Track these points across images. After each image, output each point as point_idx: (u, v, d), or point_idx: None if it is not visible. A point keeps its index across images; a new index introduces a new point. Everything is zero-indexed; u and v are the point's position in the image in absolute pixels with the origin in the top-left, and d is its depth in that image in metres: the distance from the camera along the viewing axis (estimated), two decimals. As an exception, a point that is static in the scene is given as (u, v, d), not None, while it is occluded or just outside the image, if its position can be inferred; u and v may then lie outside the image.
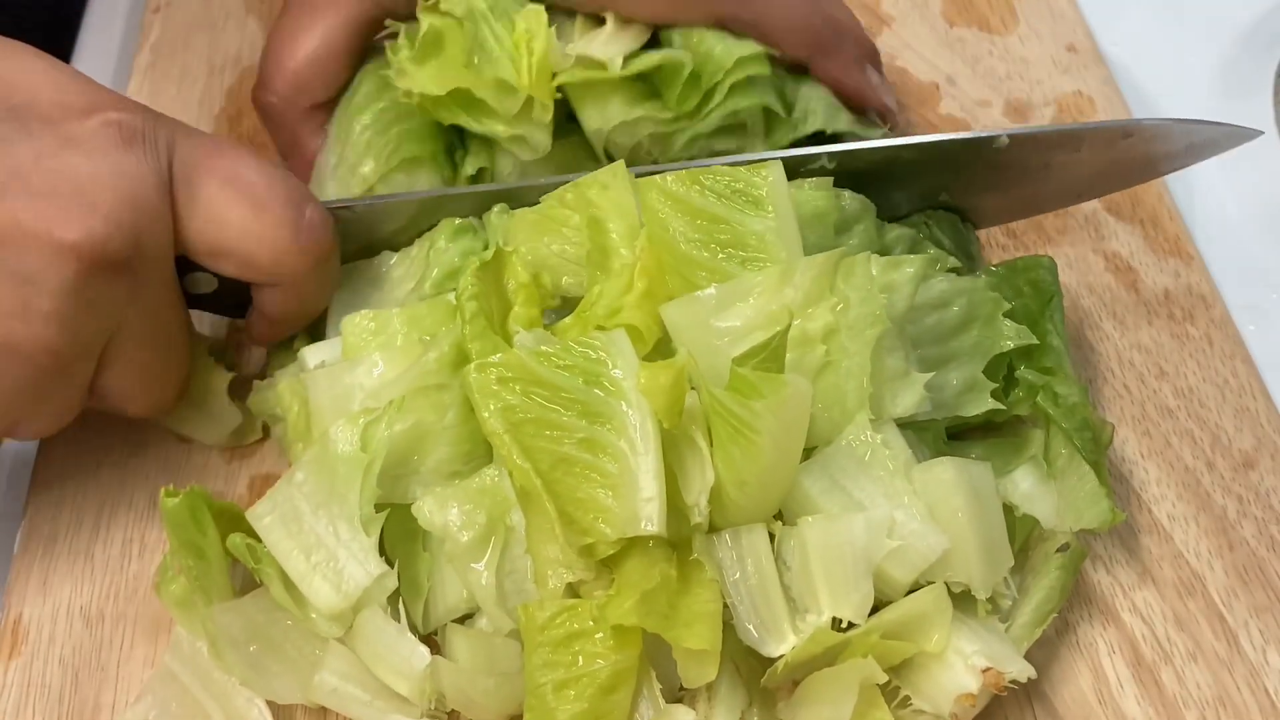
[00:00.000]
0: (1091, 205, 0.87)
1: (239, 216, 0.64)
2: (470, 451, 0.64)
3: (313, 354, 0.70)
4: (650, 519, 0.57)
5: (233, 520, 0.65)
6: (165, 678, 0.63)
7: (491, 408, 0.58)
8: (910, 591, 0.61)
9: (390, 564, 0.63)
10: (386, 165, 0.77)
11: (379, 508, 0.62)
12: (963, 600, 0.62)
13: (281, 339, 0.74)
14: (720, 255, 0.64)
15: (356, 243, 0.74)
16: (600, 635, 0.57)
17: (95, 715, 0.66)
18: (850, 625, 0.59)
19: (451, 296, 0.69)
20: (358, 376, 0.65)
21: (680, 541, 0.60)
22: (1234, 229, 0.91)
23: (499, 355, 0.60)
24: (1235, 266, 0.87)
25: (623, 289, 0.64)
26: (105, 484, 0.74)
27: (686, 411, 0.59)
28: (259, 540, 0.62)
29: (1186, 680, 0.66)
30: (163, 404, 0.70)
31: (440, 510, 0.61)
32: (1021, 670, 0.60)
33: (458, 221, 0.72)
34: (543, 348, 0.60)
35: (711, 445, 0.59)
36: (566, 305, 0.69)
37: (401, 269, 0.74)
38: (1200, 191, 0.92)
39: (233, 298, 0.70)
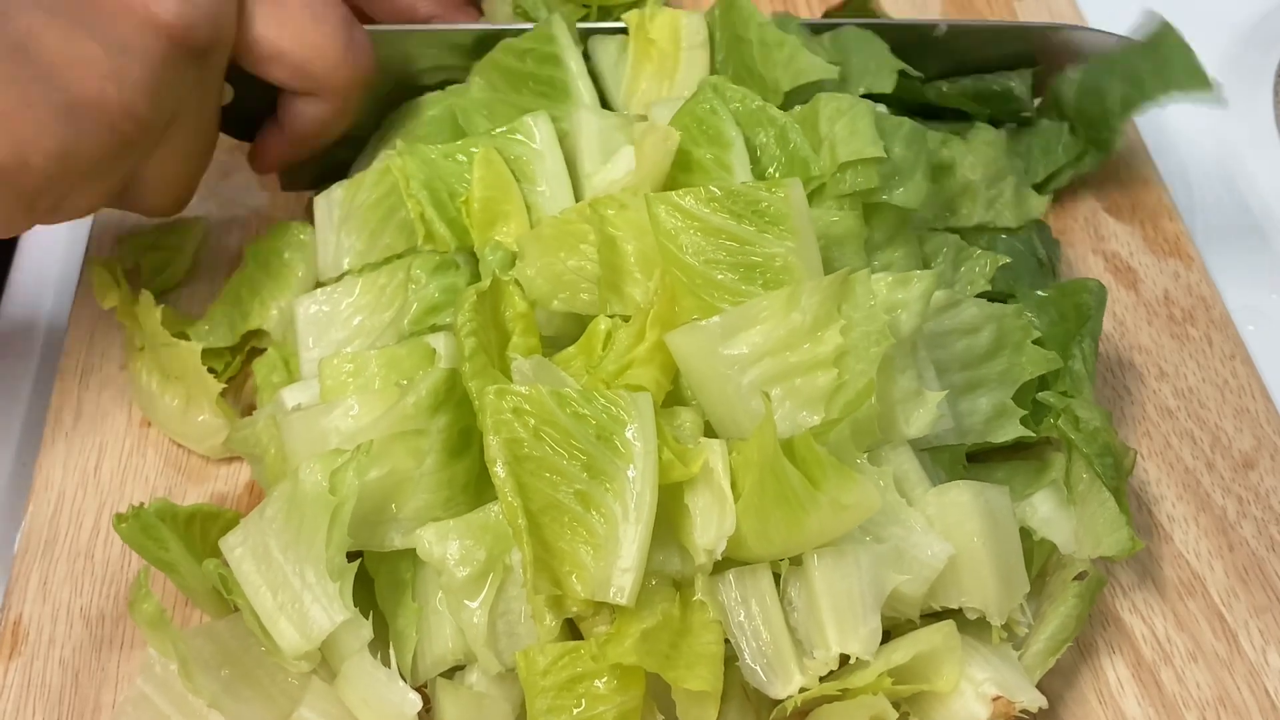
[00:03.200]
0: (1091, 205, 0.87)
1: (298, 25, 0.70)
2: (450, 498, 0.62)
3: (290, 395, 0.69)
4: (622, 590, 0.56)
5: (207, 520, 0.65)
6: (138, 701, 0.62)
7: (498, 436, 0.57)
8: (924, 614, 0.60)
9: (381, 613, 0.63)
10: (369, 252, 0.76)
11: (355, 554, 0.60)
12: (977, 626, 0.61)
13: (289, 163, 0.79)
14: (737, 276, 0.62)
15: (391, 73, 0.79)
16: (604, 678, 0.57)
17: (95, 715, 0.66)
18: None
19: (430, 339, 0.67)
20: (333, 420, 0.64)
21: (683, 580, 0.59)
22: (1234, 229, 0.91)
23: (524, 386, 0.59)
24: (1235, 266, 0.87)
25: (634, 338, 0.63)
26: (105, 484, 0.74)
27: (715, 457, 0.58)
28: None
29: (1186, 680, 0.66)
30: (179, 203, 0.75)
31: (440, 543, 0.60)
32: (1033, 700, 0.60)
33: (438, 256, 0.71)
34: (566, 390, 0.59)
35: (739, 491, 0.58)
36: (579, 324, 0.67)
37: (370, 295, 0.72)
38: (1200, 192, 0.92)
39: (244, 116, 0.77)
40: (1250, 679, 0.66)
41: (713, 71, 0.79)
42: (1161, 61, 0.82)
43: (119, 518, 0.62)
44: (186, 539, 0.64)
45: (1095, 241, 0.85)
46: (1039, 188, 0.83)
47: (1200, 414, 0.76)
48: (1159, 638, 0.68)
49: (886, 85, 0.80)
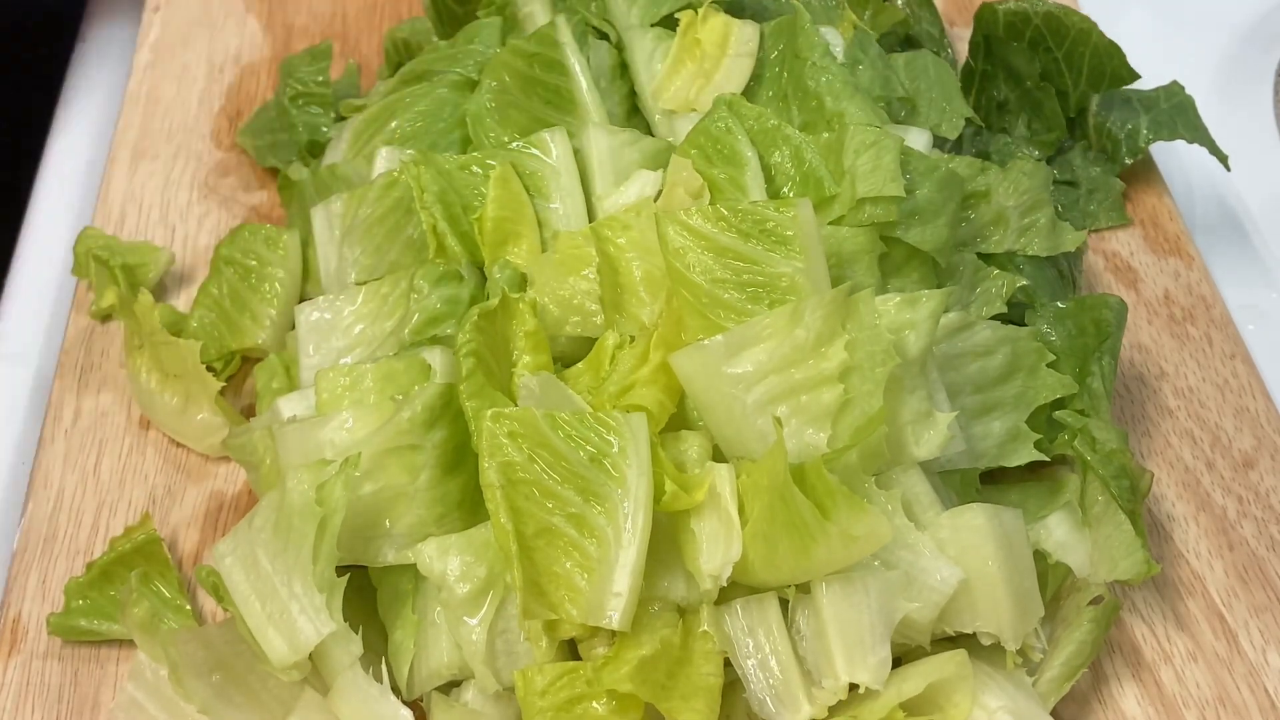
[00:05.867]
0: (1091, 205, 0.87)
1: None
2: (444, 515, 0.62)
3: (286, 405, 0.69)
4: (615, 614, 0.56)
5: (123, 561, 0.68)
6: (128, 706, 0.62)
7: (493, 460, 0.57)
8: (937, 639, 0.60)
9: (383, 625, 0.63)
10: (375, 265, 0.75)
11: (345, 568, 0.60)
12: (990, 651, 0.60)
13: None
14: (744, 296, 0.61)
15: None
16: (602, 700, 0.57)
17: (94, 712, 0.65)
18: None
19: (426, 354, 0.67)
20: (328, 433, 0.63)
21: (688, 606, 0.59)
22: (1234, 229, 0.91)
23: (517, 408, 0.59)
24: (1235, 266, 0.87)
25: (638, 360, 0.62)
26: (105, 484, 0.74)
27: (722, 481, 0.58)
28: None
29: (1186, 680, 0.66)
30: None
31: (440, 558, 0.60)
32: None
33: (441, 267, 0.71)
34: (559, 413, 0.59)
35: (747, 516, 0.58)
36: (590, 343, 0.67)
37: (373, 304, 0.72)
38: (1200, 192, 0.92)
39: None
40: (1250, 678, 0.66)
41: (755, 80, 0.78)
42: (1175, 110, 0.85)
43: (50, 624, 0.67)
44: (115, 586, 0.67)
45: (1096, 241, 0.85)
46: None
47: (1200, 413, 0.76)
48: (1159, 637, 0.68)
49: (952, 131, 0.80)
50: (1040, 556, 0.64)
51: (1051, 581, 0.64)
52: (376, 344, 0.71)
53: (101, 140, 0.95)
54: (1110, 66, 0.84)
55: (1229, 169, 0.85)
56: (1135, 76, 0.85)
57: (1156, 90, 0.87)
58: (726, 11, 0.79)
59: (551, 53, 0.78)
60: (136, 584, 0.64)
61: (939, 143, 0.79)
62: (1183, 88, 0.86)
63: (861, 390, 0.60)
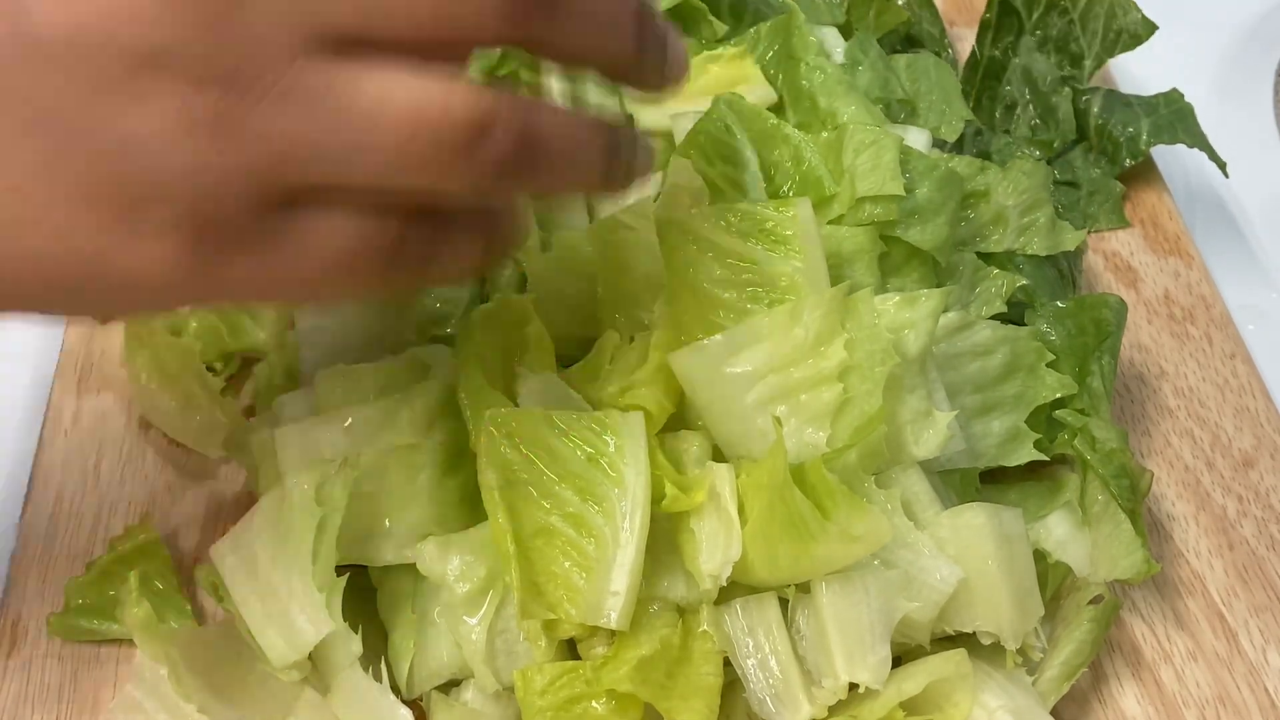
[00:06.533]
0: (1091, 205, 0.87)
1: None
2: (443, 514, 0.62)
3: (286, 405, 0.68)
4: (613, 613, 0.56)
5: (122, 561, 0.67)
6: (128, 706, 0.62)
7: (491, 460, 0.57)
8: (935, 638, 0.60)
9: (383, 625, 0.63)
10: None
11: (345, 568, 0.60)
12: (990, 651, 0.60)
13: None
14: (744, 295, 0.61)
15: None
16: (602, 700, 0.57)
17: (94, 712, 0.65)
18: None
19: (425, 354, 0.67)
20: (328, 433, 0.63)
21: (688, 606, 0.59)
22: (1234, 229, 0.91)
23: (514, 408, 0.59)
24: (1235, 266, 0.87)
25: (637, 360, 0.62)
26: (105, 484, 0.74)
27: (721, 481, 0.58)
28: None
29: (1186, 679, 0.66)
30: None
31: (440, 557, 0.60)
32: None
33: None
34: (556, 412, 0.59)
35: (746, 516, 0.58)
36: (585, 346, 0.67)
37: (373, 304, 0.71)
38: (1200, 191, 0.92)
39: None
40: (1250, 678, 0.66)
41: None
42: (1175, 115, 0.86)
43: (50, 625, 0.66)
44: (115, 586, 0.66)
45: (1095, 240, 0.85)
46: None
47: (1200, 413, 0.76)
48: (1158, 636, 0.68)
49: (952, 134, 0.80)
50: (1040, 556, 0.64)
51: (1051, 581, 0.64)
52: (377, 343, 0.71)
53: (102, 141, 0.94)
54: (1126, 24, 0.85)
55: (1227, 175, 0.85)
56: (1152, 29, 0.84)
57: (1156, 96, 0.87)
58: (727, 11, 0.79)
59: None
60: (136, 584, 0.64)
61: (939, 142, 0.79)
62: (1182, 95, 0.87)
63: (861, 389, 0.60)
